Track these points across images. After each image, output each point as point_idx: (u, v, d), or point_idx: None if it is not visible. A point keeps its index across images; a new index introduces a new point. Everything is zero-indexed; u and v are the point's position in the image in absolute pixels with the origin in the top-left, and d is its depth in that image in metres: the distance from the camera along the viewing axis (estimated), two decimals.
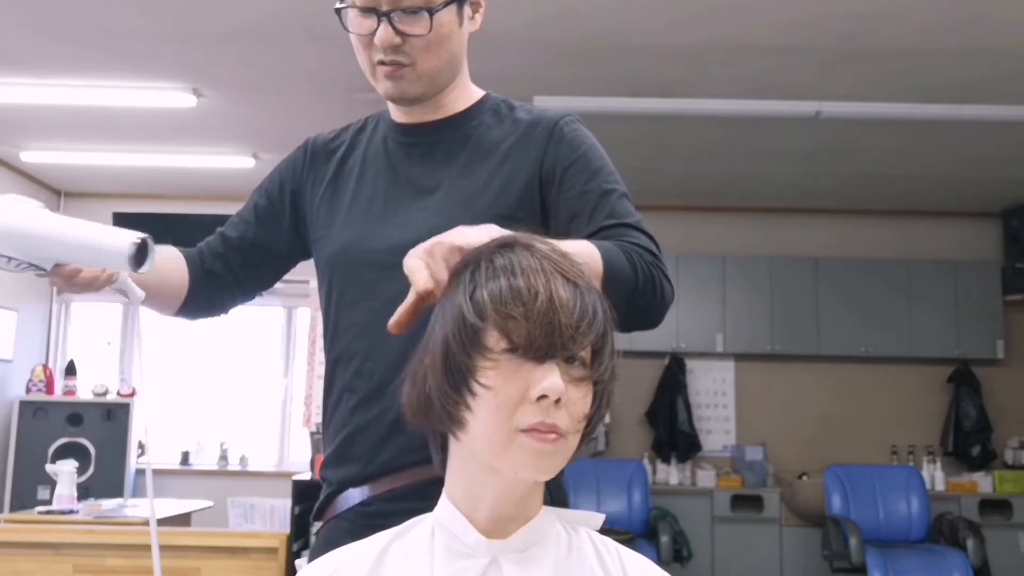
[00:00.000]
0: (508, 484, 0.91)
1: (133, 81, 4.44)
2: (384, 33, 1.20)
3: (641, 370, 6.35)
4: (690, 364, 6.47)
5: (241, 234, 1.42)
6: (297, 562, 2.91)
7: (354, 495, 1.23)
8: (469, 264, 0.93)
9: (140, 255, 1.08)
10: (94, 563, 2.95)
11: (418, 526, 0.97)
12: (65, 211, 6.53)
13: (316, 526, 1.31)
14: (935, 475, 6.01)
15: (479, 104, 1.33)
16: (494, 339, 0.88)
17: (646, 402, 6.39)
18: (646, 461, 6.16)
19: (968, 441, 6.22)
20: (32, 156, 5.74)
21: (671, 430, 6.31)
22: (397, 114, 1.34)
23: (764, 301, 6.32)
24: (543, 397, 0.86)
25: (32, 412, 5.96)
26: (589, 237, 1.16)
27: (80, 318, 6.75)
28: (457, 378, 0.90)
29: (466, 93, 1.34)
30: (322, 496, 1.28)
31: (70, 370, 6.23)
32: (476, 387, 0.88)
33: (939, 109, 4.42)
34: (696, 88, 4.39)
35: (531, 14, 3.64)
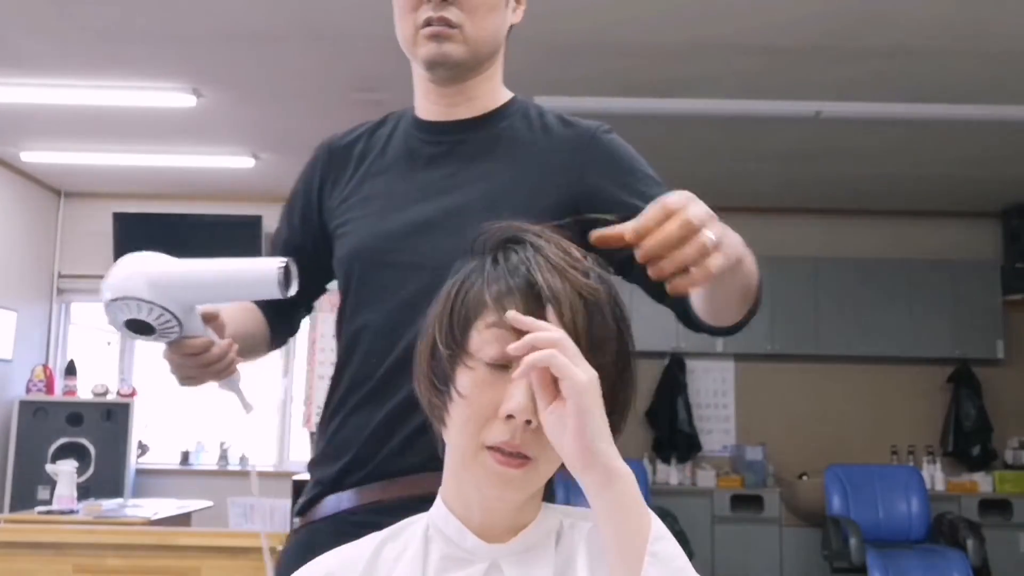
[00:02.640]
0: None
1: (133, 81, 4.44)
2: None
3: (641, 370, 6.06)
4: (690, 364, 6.47)
5: (296, 246, 1.35)
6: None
7: (342, 499, 1.20)
8: (481, 254, 0.89)
9: (286, 278, 1.10)
10: (94, 563, 2.95)
11: (412, 527, 0.93)
12: (65, 211, 6.53)
13: (295, 522, 1.28)
14: (935, 475, 6.01)
15: (508, 105, 1.32)
16: (477, 344, 0.84)
17: (646, 402, 6.38)
18: (646, 461, 6.17)
19: (968, 441, 6.22)
20: (32, 156, 5.74)
21: (671, 430, 6.31)
22: (422, 110, 1.32)
23: (763, 301, 6.30)
24: (511, 416, 0.82)
25: (32, 412, 5.95)
26: None
27: (80, 318, 6.75)
28: (438, 376, 0.87)
29: (497, 89, 1.32)
30: (307, 495, 1.25)
31: (70, 370, 6.22)
32: (453, 392, 0.85)
33: (939, 109, 4.42)
34: (695, 88, 4.39)
35: (530, 13, 3.63)
